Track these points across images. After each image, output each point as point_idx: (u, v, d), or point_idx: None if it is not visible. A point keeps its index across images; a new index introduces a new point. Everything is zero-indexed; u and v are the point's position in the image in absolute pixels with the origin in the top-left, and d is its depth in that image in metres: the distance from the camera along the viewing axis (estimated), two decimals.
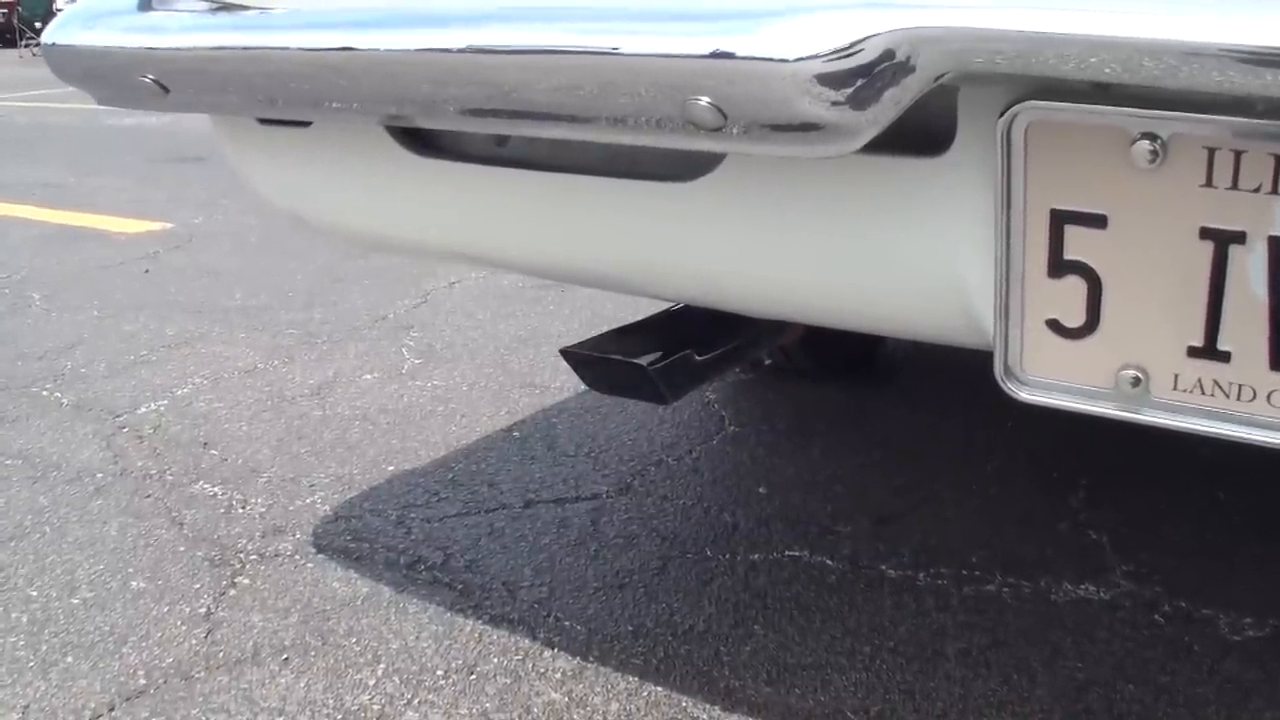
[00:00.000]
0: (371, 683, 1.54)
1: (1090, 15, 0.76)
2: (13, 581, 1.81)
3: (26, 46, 19.68)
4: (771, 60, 0.82)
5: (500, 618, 1.68)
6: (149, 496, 2.09)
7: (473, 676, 1.55)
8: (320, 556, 1.86)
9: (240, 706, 1.50)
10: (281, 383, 2.68)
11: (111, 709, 1.50)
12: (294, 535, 1.94)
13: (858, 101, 0.82)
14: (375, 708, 1.49)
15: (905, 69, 0.80)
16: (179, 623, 1.69)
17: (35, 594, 1.77)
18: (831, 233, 1.03)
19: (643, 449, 2.26)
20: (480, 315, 3.22)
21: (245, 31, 1.13)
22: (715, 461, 2.20)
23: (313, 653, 1.61)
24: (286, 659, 1.60)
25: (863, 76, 0.81)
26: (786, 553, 1.84)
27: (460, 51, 0.97)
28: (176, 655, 1.61)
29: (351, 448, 2.30)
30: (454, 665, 1.57)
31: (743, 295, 1.15)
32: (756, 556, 1.83)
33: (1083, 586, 1.71)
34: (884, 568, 1.79)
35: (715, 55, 0.84)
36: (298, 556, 1.87)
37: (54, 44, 1.27)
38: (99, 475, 2.19)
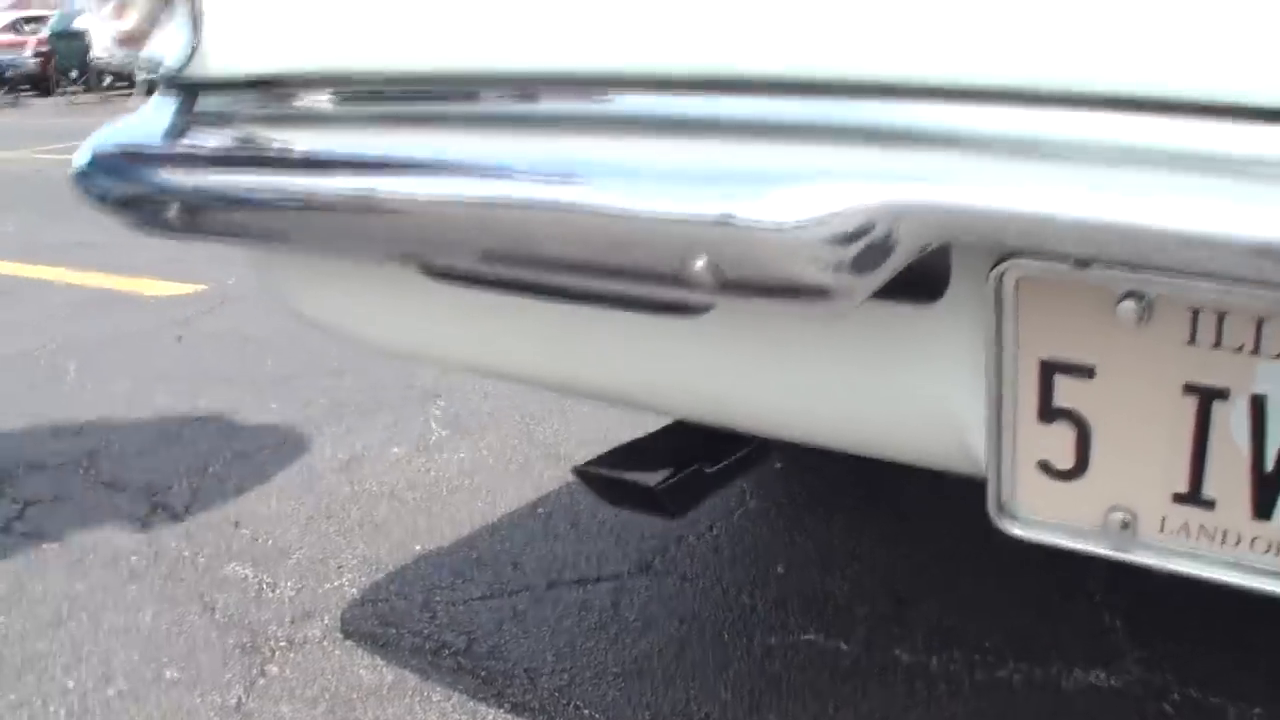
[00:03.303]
0: None
1: (1070, 196, 0.79)
2: (51, 671, 1.86)
3: (62, 95, 20.01)
4: (769, 228, 0.86)
5: (521, 705, 1.72)
6: (182, 580, 2.14)
7: None
8: (348, 643, 1.91)
9: None
10: (311, 457, 2.74)
11: None
12: (322, 620, 1.98)
13: (853, 267, 0.86)
14: None
15: (892, 242, 0.84)
16: (211, 713, 1.73)
17: (72, 685, 1.82)
18: (829, 371, 1.07)
19: (663, 525, 2.29)
20: (506, 385, 3.26)
21: (265, 171, 1.18)
22: (735, 538, 2.23)
23: None
24: None
25: (853, 245, 0.85)
26: (802, 636, 1.87)
27: (474, 205, 1.02)
28: None
29: (378, 527, 2.35)
30: None
31: (747, 420, 1.19)
32: (773, 640, 1.86)
33: (1094, 673, 1.73)
34: (898, 651, 1.81)
35: (717, 221, 0.89)
36: (326, 643, 1.91)
37: (83, 173, 1.33)
38: (134, 558, 2.24)
